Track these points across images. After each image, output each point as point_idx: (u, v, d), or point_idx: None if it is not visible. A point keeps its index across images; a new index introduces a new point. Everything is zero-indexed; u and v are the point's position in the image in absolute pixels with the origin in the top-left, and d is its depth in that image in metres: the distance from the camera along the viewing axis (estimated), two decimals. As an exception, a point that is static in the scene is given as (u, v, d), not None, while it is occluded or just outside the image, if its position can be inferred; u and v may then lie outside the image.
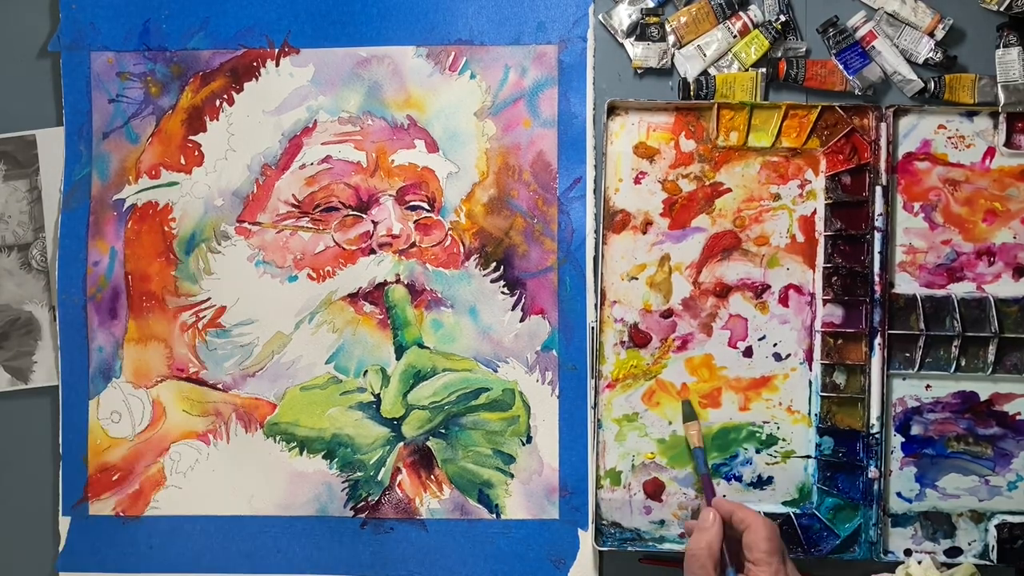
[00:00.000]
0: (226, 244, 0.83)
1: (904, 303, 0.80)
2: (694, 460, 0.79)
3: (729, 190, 0.81)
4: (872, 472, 0.79)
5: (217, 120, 0.83)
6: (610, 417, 0.82)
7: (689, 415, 0.80)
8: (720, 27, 0.80)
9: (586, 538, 0.81)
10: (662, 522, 0.81)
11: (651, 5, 0.81)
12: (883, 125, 0.80)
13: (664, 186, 0.81)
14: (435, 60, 0.82)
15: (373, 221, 0.83)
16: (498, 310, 0.82)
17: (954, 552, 0.81)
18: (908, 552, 0.81)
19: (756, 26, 0.80)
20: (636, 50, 0.81)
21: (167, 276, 0.83)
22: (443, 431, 0.82)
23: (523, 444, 0.82)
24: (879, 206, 0.79)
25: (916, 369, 0.80)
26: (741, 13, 0.80)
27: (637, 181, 0.81)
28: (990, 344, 0.79)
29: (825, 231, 0.81)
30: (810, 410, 0.81)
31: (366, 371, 0.83)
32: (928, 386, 0.81)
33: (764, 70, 0.80)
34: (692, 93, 0.81)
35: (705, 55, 0.81)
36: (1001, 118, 0.80)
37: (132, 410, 0.83)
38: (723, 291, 0.81)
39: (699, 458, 0.79)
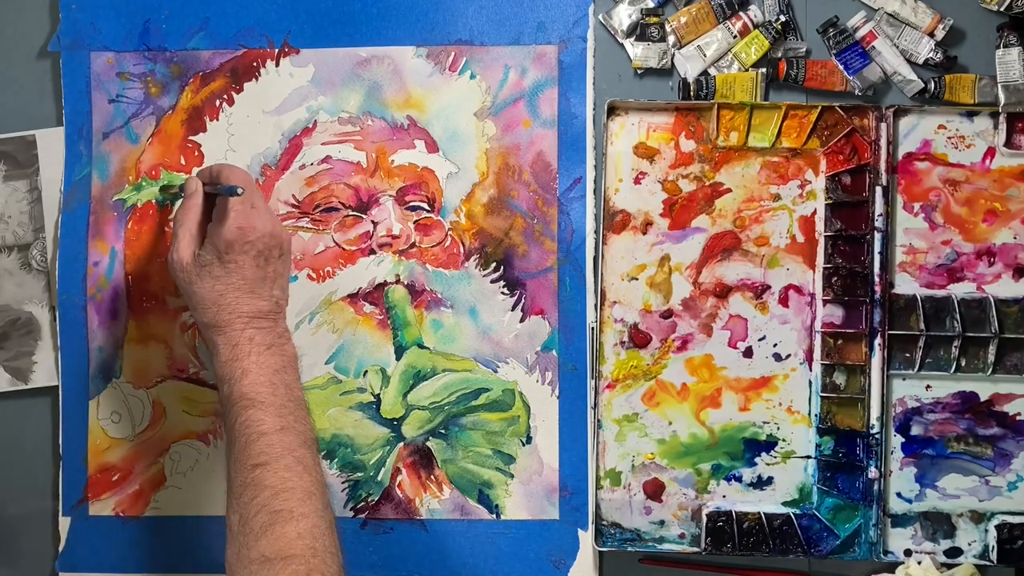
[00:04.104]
0: (226, 244, 0.83)
1: (904, 303, 0.80)
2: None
3: (729, 190, 0.81)
4: (872, 472, 0.79)
5: (217, 120, 0.83)
6: (610, 417, 0.82)
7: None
8: (720, 27, 0.80)
9: (586, 538, 0.81)
10: (662, 522, 0.81)
11: (651, 5, 0.81)
12: (883, 125, 0.80)
13: (664, 186, 0.81)
14: (435, 60, 0.82)
15: (373, 221, 0.83)
16: (498, 310, 0.82)
17: (954, 552, 0.81)
18: (908, 552, 0.81)
19: (756, 26, 0.80)
20: (636, 50, 0.81)
21: (167, 276, 0.83)
22: (443, 431, 0.82)
23: (523, 444, 0.82)
24: (879, 206, 0.79)
25: (916, 369, 0.80)
26: (741, 13, 0.80)
27: (637, 181, 0.81)
28: (990, 344, 0.79)
29: (825, 231, 0.81)
30: (810, 410, 0.81)
31: (366, 371, 0.83)
32: (928, 386, 0.81)
33: (764, 70, 0.80)
34: (692, 93, 0.81)
35: (705, 55, 0.81)
36: (1001, 118, 0.80)
37: (132, 410, 0.83)
38: (723, 291, 0.81)
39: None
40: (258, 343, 0.70)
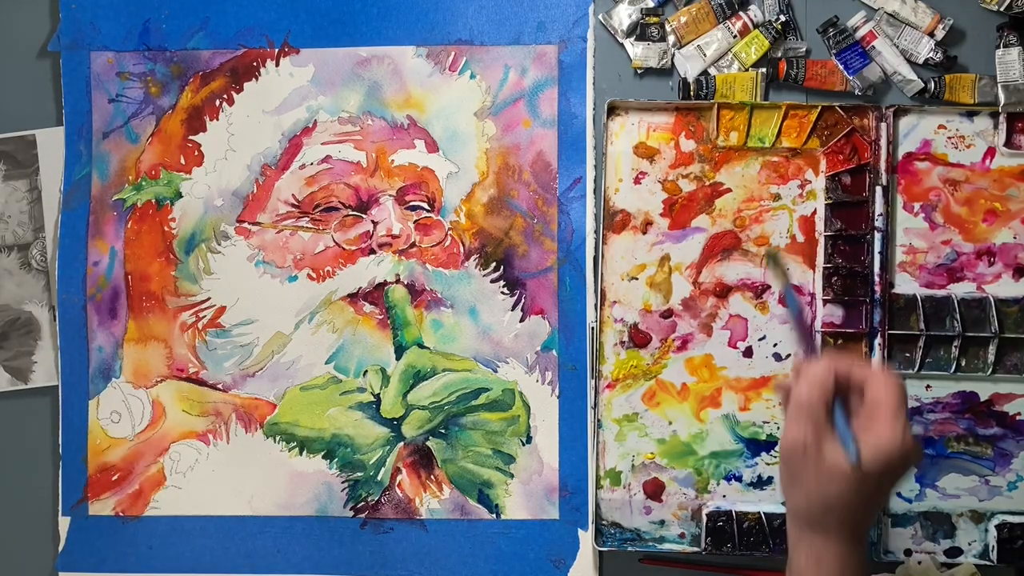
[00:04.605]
0: (226, 244, 0.83)
1: (904, 303, 0.80)
2: (787, 302, 0.68)
3: (729, 190, 0.81)
4: (872, 472, 0.79)
5: (217, 120, 0.83)
6: (610, 417, 0.82)
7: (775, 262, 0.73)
8: (720, 27, 0.80)
9: (586, 538, 0.81)
10: (662, 522, 0.81)
11: (651, 5, 0.81)
12: (883, 125, 0.80)
13: (664, 186, 0.81)
14: (435, 60, 0.82)
15: (373, 221, 0.83)
16: (498, 310, 0.82)
17: (954, 552, 0.81)
18: (908, 552, 0.81)
19: (756, 26, 0.80)
20: (636, 50, 0.81)
21: (167, 276, 0.83)
22: (443, 431, 0.82)
23: (523, 444, 0.82)
24: (879, 206, 0.79)
25: (916, 369, 0.80)
26: (741, 13, 0.80)
27: (637, 181, 0.81)
28: (990, 344, 0.79)
29: (825, 231, 0.81)
30: (810, 410, 0.81)
31: (366, 371, 0.83)
32: (928, 386, 0.81)
33: (764, 70, 0.80)
34: (692, 93, 0.81)
35: (705, 55, 0.81)
36: (1001, 118, 0.80)
37: (132, 410, 0.83)
38: (723, 291, 0.81)
39: (790, 299, 0.69)
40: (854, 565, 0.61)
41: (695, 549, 0.81)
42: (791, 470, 0.61)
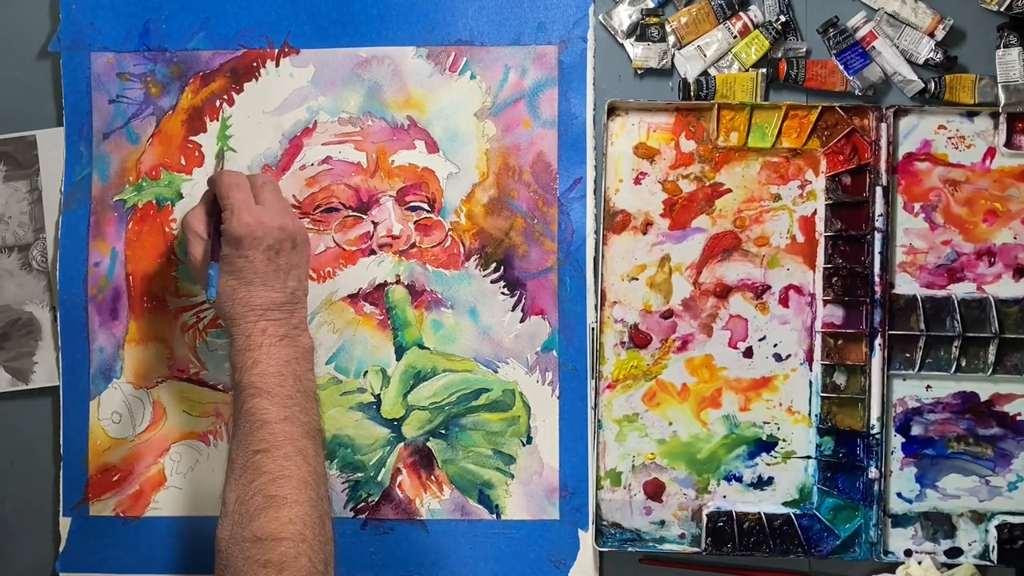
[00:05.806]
0: (226, 245, 0.83)
1: (904, 303, 0.81)
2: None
3: (729, 190, 0.81)
4: (872, 473, 0.79)
5: (217, 121, 0.83)
6: (610, 418, 0.82)
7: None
8: (720, 27, 0.80)
9: (586, 539, 0.81)
10: (662, 523, 0.81)
11: (651, 5, 0.81)
12: (883, 125, 0.80)
13: (664, 186, 0.81)
14: (435, 60, 0.82)
15: (373, 222, 0.83)
16: (498, 311, 0.82)
17: (954, 552, 0.81)
18: (908, 552, 0.81)
19: (756, 26, 0.80)
20: (636, 50, 0.81)
21: (168, 277, 0.84)
22: (443, 432, 0.82)
23: (523, 445, 0.82)
24: (879, 207, 0.79)
25: (916, 369, 0.80)
26: (741, 13, 0.80)
27: (637, 182, 0.81)
28: (990, 345, 0.79)
29: (825, 231, 0.81)
30: (810, 411, 0.81)
31: (366, 372, 0.83)
32: (928, 386, 0.81)
33: (764, 70, 0.80)
34: (692, 93, 0.81)
35: (705, 55, 0.81)
36: (1001, 118, 0.80)
37: (132, 411, 0.83)
38: (723, 292, 0.81)
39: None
40: (271, 334, 0.72)
41: (695, 549, 0.81)
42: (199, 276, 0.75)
